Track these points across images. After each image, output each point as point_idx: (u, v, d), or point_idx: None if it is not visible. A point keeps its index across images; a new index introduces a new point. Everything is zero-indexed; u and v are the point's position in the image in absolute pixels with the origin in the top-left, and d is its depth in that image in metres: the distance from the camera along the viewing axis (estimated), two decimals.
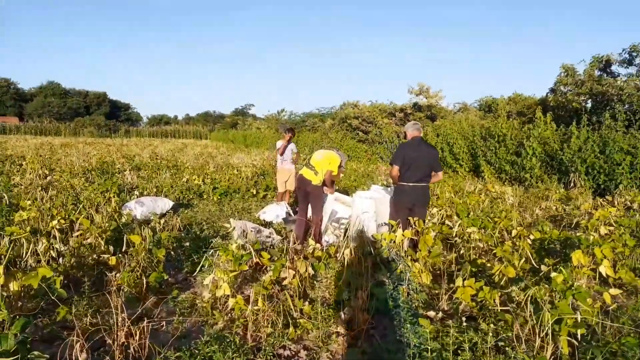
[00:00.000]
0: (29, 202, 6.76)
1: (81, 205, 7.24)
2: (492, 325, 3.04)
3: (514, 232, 6.30)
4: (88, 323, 3.52)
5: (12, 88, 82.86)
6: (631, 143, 11.63)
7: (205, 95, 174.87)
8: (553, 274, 3.94)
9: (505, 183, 14.44)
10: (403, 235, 5.10)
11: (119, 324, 3.08)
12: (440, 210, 7.98)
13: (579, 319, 2.92)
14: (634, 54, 14.43)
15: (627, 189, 10.71)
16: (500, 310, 3.58)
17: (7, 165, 14.45)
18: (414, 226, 5.30)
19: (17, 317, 2.89)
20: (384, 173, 17.13)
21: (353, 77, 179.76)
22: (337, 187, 7.23)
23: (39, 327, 3.60)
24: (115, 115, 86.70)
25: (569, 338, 2.92)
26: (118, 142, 41.55)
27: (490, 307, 3.77)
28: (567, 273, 3.83)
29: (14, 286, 3.51)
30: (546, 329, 2.92)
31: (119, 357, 2.98)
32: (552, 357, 3.02)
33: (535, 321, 3.05)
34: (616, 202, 8.84)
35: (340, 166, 6.71)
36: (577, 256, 4.63)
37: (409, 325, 3.23)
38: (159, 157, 20.33)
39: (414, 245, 5.31)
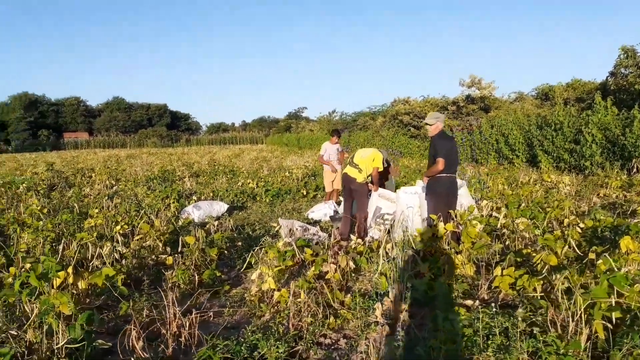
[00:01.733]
0: (96, 210, 7.35)
1: (142, 211, 7.76)
2: (522, 311, 3.06)
3: (565, 221, 6.18)
4: (145, 316, 3.85)
5: (82, 105, 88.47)
6: None
7: (260, 100, 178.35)
8: (599, 261, 3.89)
9: (564, 172, 13.91)
10: (445, 229, 5.15)
11: (172, 316, 3.38)
12: (489, 202, 7.89)
13: (613, 302, 2.90)
14: None
15: None
16: (538, 297, 3.58)
17: (78, 178, 15.57)
18: (455, 219, 5.32)
19: (84, 310, 3.25)
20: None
21: (404, 73, 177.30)
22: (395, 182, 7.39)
23: (104, 321, 3.98)
24: (175, 126, 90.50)
25: (603, 322, 2.91)
26: (179, 151, 43.40)
27: (530, 295, 3.78)
28: (613, 259, 3.77)
29: (81, 284, 3.91)
30: (579, 313, 2.92)
31: (171, 345, 3.28)
32: (589, 341, 3.02)
33: (569, 307, 3.06)
34: None
35: (389, 163, 6.84)
36: (625, 242, 4.50)
37: (443, 314, 3.31)
38: (216, 164, 21.13)
39: (457, 238, 5.32)
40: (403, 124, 27.50)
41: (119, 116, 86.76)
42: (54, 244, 5.84)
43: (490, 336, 2.94)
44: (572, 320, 2.99)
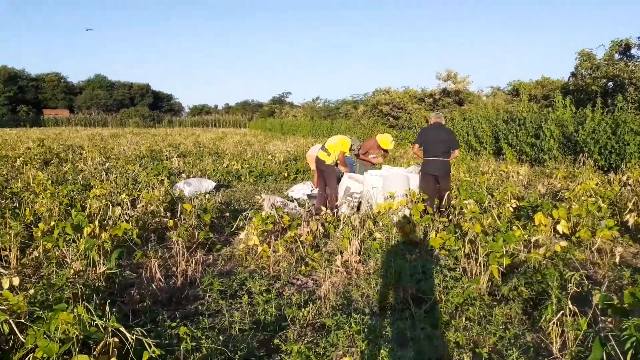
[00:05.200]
0: (98, 182, 8.28)
1: (140, 185, 8.71)
2: (442, 259, 4.19)
3: (507, 204, 7.37)
4: (160, 258, 4.87)
5: (63, 82, 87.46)
6: None
7: (244, 84, 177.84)
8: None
9: (526, 164, 15.18)
10: (400, 205, 6.26)
11: (181, 256, 4.42)
12: None
13: (504, 252, 4.04)
14: None
15: (633, 167, 11.36)
16: (462, 254, 4.71)
17: (69, 154, 16.31)
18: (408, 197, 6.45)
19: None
20: (412, 156, 18.18)
21: (387, 63, 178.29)
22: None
23: (122, 266, 4.99)
24: (158, 106, 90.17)
25: (498, 267, 4.04)
26: (162, 132, 43.88)
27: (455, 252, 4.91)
28: (529, 229, 4.92)
29: (104, 235, 4.90)
30: (479, 259, 4.06)
31: (180, 279, 4.32)
32: (490, 282, 4.16)
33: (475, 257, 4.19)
34: (611, 179, 9.62)
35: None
36: (538, 217, 5.70)
37: (384, 260, 4.41)
38: (201, 145, 21.99)
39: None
40: (383, 114, 28.59)
41: (100, 94, 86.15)
42: (67, 209, 6.79)
43: (415, 274, 4.05)
44: (476, 264, 4.12)
